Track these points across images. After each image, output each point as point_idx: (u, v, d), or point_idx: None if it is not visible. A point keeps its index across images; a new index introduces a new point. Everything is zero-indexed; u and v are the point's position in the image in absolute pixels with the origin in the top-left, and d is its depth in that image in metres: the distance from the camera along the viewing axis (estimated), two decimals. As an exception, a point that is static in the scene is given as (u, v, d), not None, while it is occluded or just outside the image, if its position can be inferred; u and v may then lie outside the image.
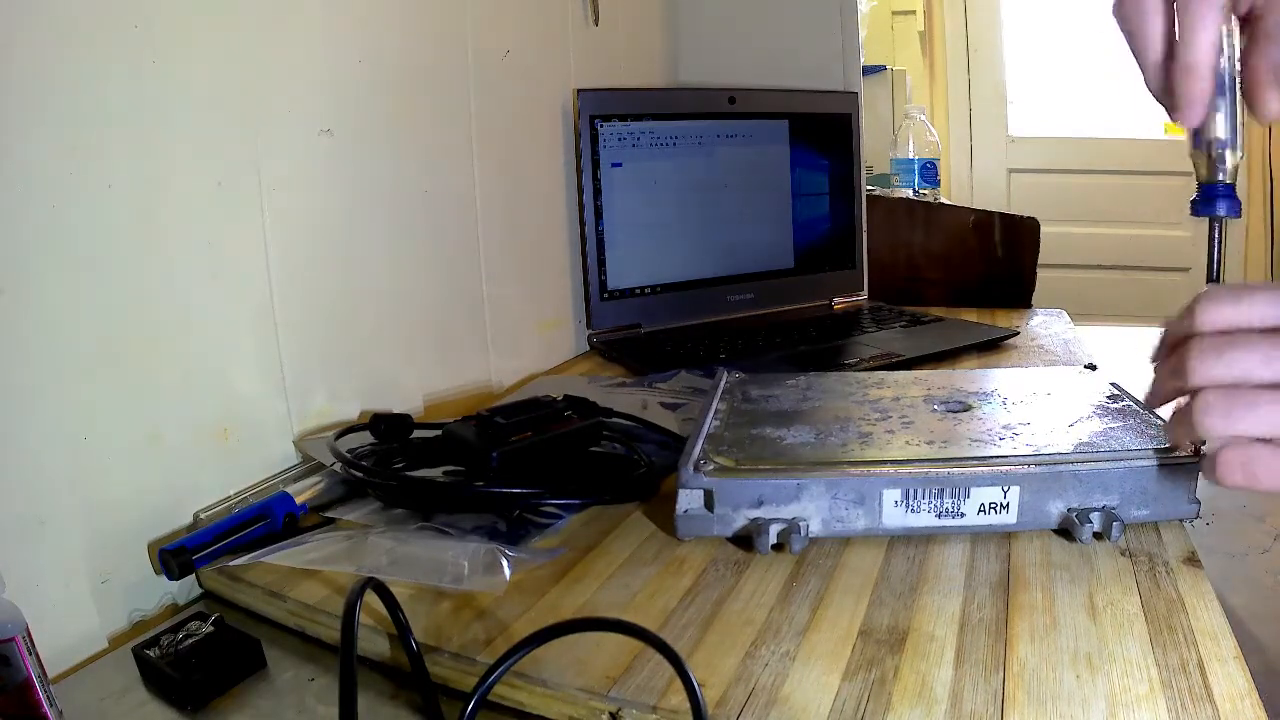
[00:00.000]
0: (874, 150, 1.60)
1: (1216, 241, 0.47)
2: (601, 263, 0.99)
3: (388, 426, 0.63)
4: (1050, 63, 2.45)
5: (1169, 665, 0.38)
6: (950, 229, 1.27)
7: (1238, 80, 0.42)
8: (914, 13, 2.35)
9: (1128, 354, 1.09)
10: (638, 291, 1.03)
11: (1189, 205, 0.47)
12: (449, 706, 0.38)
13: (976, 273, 1.26)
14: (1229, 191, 0.45)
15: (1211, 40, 0.41)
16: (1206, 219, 0.47)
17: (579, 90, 0.96)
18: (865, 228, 1.21)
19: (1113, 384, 0.65)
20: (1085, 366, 0.76)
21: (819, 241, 1.18)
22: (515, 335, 0.90)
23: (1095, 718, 0.35)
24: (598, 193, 0.98)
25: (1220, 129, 0.43)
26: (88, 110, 0.47)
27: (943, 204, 1.52)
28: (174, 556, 0.49)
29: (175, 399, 0.53)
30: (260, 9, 0.58)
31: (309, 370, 0.64)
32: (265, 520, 0.54)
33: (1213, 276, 0.48)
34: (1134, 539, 0.49)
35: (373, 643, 0.43)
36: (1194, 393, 0.39)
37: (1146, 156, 2.28)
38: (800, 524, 0.49)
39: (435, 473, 0.59)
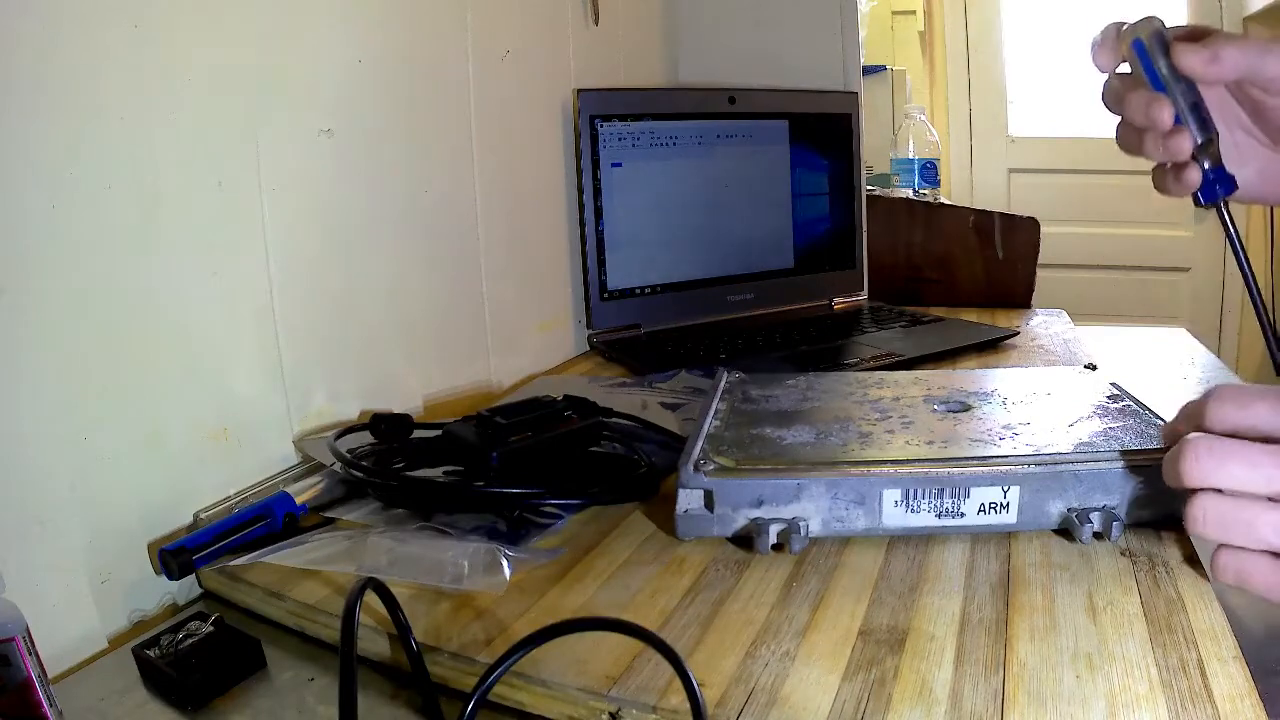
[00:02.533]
0: (874, 150, 1.61)
1: (1230, 224, 0.48)
2: (601, 263, 0.99)
3: (388, 426, 0.63)
4: (1050, 63, 2.44)
5: (1169, 665, 0.38)
6: (950, 229, 1.27)
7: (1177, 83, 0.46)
8: (914, 13, 2.35)
9: (1128, 354, 1.09)
10: (638, 291, 1.03)
11: (1192, 200, 0.48)
12: (449, 706, 0.38)
13: (976, 273, 1.26)
14: (1219, 174, 0.47)
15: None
16: (1214, 208, 0.48)
17: (579, 90, 0.96)
18: (865, 228, 1.21)
19: (1113, 384, 0.65)
20: (1085, 366, 0.76)
21: (819, 241, 1.18)
22: (515, 335, 0.90)
23: (1095, 718, 0.35)
24: (598, 193, 0.98)
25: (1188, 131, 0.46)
26: (87, 110, 0.47)
27: (943, 204, 1.52)
28: (174, 556, 0.49)
29: (175, 399, 0.53)
30: (260, 9, 0.58)
31: (309, 370, 0.64)
32: (265, 520, 0.54)
33: (1240, 258, 0.48)
34: (1134, 539, 0.49)
35: (373, 643, 0.43)
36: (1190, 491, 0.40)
37: (1146, 157, 2.27)
38: (800, 524, 0.49)
39: (435, 473, 0.59)
